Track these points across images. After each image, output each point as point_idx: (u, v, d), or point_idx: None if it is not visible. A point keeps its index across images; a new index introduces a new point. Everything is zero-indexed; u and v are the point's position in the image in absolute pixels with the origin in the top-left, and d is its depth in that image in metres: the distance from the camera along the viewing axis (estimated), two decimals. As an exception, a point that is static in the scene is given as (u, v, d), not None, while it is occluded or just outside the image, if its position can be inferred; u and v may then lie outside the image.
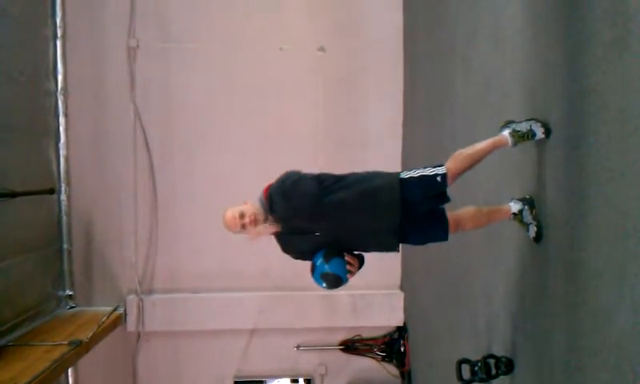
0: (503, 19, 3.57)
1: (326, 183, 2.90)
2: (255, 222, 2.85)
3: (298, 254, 3.05)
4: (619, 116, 2.12)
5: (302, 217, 2.89)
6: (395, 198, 2.87)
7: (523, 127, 2.89)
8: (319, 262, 2.87)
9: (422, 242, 3.16)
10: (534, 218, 2.93)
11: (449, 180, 2.89)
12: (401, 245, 3.06)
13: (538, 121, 2.84)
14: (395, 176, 2.96)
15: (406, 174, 2.96)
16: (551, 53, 2.80)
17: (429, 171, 2.93)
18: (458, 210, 3.12)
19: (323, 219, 2.87)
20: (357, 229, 2.91)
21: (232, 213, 2.86)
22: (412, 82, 6.60)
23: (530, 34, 3.11)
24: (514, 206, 3.04)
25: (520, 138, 2.89)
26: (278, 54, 6.89)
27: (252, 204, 2.91)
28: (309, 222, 2.91)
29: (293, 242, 3.01)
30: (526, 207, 2.98)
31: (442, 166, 2.93)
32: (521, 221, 3.01)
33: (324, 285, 2.91)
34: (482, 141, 3.01)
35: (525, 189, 3.13)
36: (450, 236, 3.06)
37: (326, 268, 2.85)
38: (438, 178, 2.89)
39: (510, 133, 2.93)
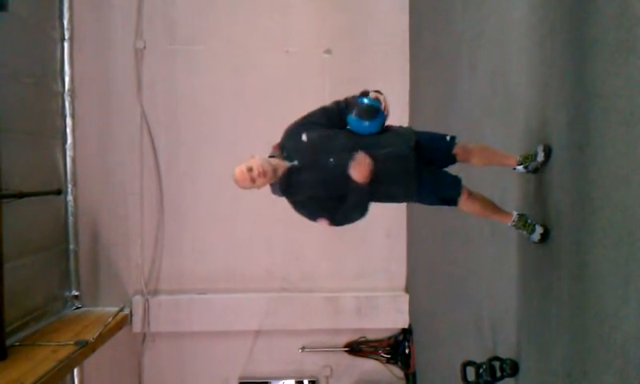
0: (509, 22, 3.57)
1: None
2: (264, 174, 2.89)
3: (310, 191, 3.02)
4: (625, 119, 2.12)
5: (314, 144, 3.01)
6: (409, 130, 3.16)
7: (531, 150, 3.08)
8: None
9: (433, 192, 3.08)
10: (525, 227, 3.03)
11: (457, 148, 3.11)
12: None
13: (542, 144, 2.97)
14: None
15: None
16: (557, 56, 2.80)
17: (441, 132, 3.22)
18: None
19: (337, 140, 3.01)
20: (375, 148, 2.92)
21: (240, 169, 2.91)
22: (418, 83, 6.60)
23: (536, 37, 3.11)
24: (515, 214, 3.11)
25: (525, 158, 3.07)
26: (284, 57, 6.91)
27: (259, 156, 2.97)
28: (322, 150, 2.97)
29: (305, 180, 3.01)
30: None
31: None
32: (525, 223, 3.02)
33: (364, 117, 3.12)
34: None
35: (529, 190, 3.14)
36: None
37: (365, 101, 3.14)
38: (447, 138, 3.15)
39: (520, 154, 3.12)
